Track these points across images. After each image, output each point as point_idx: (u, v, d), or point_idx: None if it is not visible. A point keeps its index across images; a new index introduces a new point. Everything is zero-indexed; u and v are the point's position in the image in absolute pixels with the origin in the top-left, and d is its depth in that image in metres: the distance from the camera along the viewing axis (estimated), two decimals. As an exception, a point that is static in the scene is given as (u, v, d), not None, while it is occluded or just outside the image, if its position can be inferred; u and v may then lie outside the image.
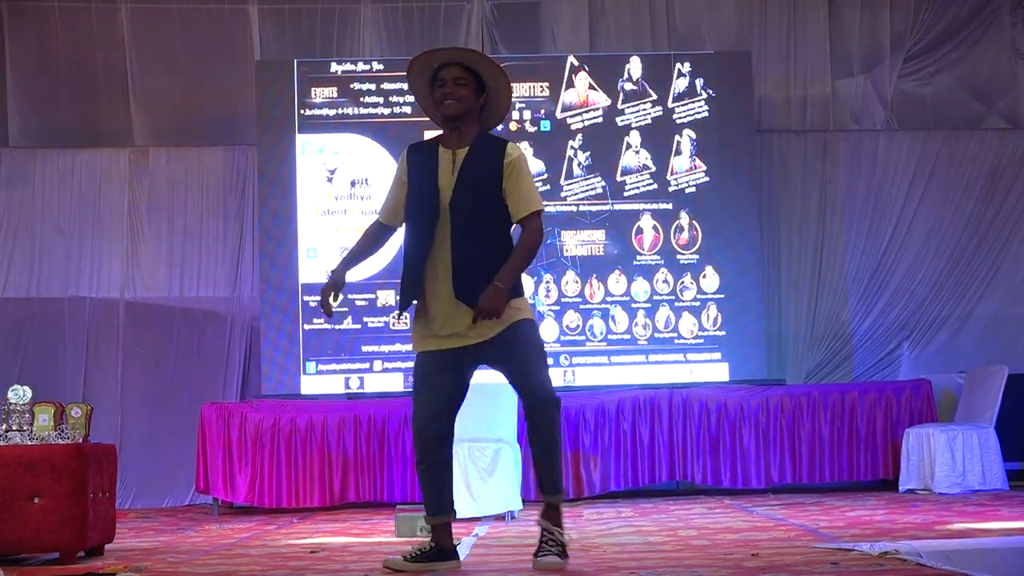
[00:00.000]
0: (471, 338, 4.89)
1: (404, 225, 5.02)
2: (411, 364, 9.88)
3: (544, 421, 4.86)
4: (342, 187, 10.03)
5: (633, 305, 9.97)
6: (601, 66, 10.18)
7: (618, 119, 10.10)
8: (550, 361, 9.57)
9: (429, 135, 9.88)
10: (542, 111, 10.09)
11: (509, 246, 4.92)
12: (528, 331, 4.93)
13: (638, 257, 10.02)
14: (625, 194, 10.01)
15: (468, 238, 4.85)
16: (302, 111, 10.01)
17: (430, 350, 4.96)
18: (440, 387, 4.97)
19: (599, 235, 10.02)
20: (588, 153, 10.03)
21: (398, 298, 5.15)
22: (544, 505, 4.94)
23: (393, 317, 9.91)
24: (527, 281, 9.91)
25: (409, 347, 9.80)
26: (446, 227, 4.85)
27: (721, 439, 9.28)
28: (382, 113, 10.06)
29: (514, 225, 4.98)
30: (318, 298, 9.74)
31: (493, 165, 4.88)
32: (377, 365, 9.89)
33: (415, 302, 5.02)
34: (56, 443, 6.04)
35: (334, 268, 5.08)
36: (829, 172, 10.73)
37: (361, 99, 10.05)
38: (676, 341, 9.99)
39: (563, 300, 9.85)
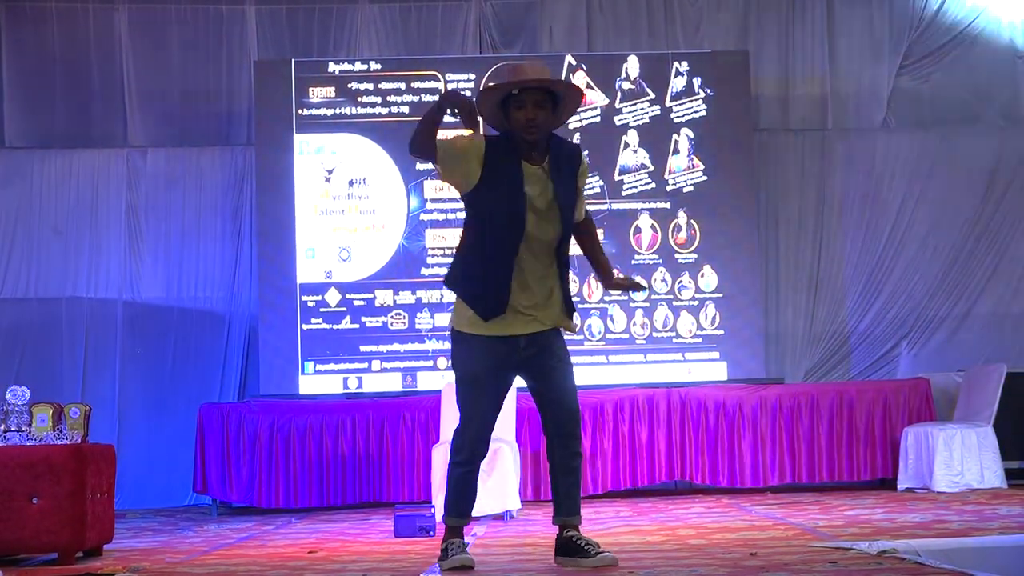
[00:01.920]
0: (525, 329, 4.86)
1: (473, 221, 4.93)
2: (409, 364, 9.92)
3: (573, 436, 4.90)
4: (340, 187, 10.02)
5: (631, 304, 9.98)
6: (599, 65, 10.20)
7: (616, 118, 10.12)
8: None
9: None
10: (541, 110, 10.09)
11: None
12: (564, 343, 5.01)
13: (636, 256, 10.03)
14: (623, 193, 10.03)
15: (562, 255, 4.91)
16: (300, 111, 10.01)
17: (483, 335, 4.87)
18: (497, 393, 4.94)
19: (597, 234, 10.00)
20: (586, 152, 9.97)
21: (477, 306, 4.90)
22: (570, 532, 4.89)
23: (391, 317, 9.90)
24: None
25: (408, 346, 9.84)
26: (539, 239, 4.83)
27: (719, 438, 9.29)
28: (380, 113, 10.07)
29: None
30: (317, 297, 9.80)
31: (572, 173, 4.91)
32: (375, 365, 9.89)
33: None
34: (55, 443, 6.05)
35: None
36: (827, 171, 10.74)
37: (359, 99, 10.06)
38: (674, 340, 10.00)
39: (562, 299, 9.86)
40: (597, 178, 9.99)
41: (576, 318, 5.06)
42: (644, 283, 5.03)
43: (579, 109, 10.01)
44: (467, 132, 4.91)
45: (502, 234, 4.82)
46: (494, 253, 4.84)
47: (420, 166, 10.01)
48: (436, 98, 4.97)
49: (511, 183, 4.80)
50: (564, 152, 4.94)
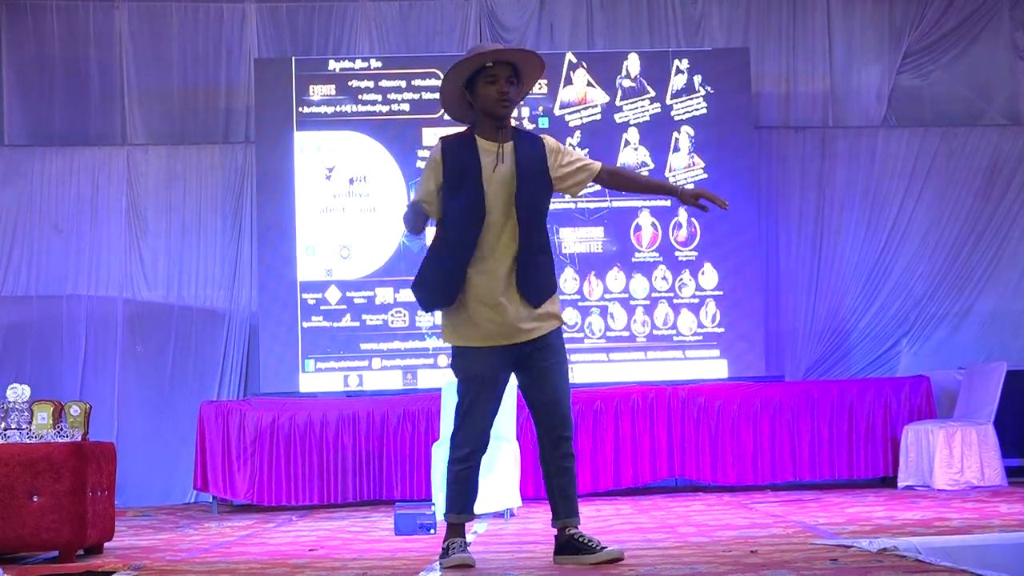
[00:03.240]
0: (518, 336, 4.86)
1: (441, 220, 4.93)
2: (409, 361, 9.93)
3: (564, 441, 4.91)
4: (340, 184, 10.04)
5: (632, 302, 10.00)
6: (599, 63, 10.21)
7: (616, 116, 10.13)
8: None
9: (427, 132, 9.99)
10: (540, 108, 10.12)
11: (549, 242, 4.98)
12: (562, 343, 5.00)
13: (636, 254, 10.04)
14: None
15: (533, 230, 4.87)
16: (300, 109, 10.03)
17: (479, 346, 4.88)
18: (497, 394, 4.94)
19: (598, 232, 10.04)
20: (586, 150, 10.04)
21: (422, 295, 5.06)
22: (571, 530, 4.91)
23: (391, 315, 9.93)
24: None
25: (408, 344, 9.85)
26: (502, 223, 4.82)
27: (720, 436, 9.30)
28: (380, 111, 10.08)
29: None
30: (317, 295, 9.81)
31: (540, 157, 4.91)
32: (376, 363, 9.90)
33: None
34: (55, 441, 6.04)
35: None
36: (827, 168, 10.75)
37: (359, 97, 10.07)
38: (675, 338, 10.02)
39: (561, 297, 9.86)
40: (597, 175, 9.99)
41: (565, 312, 5.03)
42: (722, 201, 4.98)
43: (580, 107, 10.09)
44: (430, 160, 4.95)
45: (463, 211, 4.82)
46: (455, 236, 4.86)
47: (421, 164, 10.02)
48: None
49: (468, 163, 4.83)
50: (530, 142, 4.94)
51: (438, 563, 4.89)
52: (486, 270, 4.84)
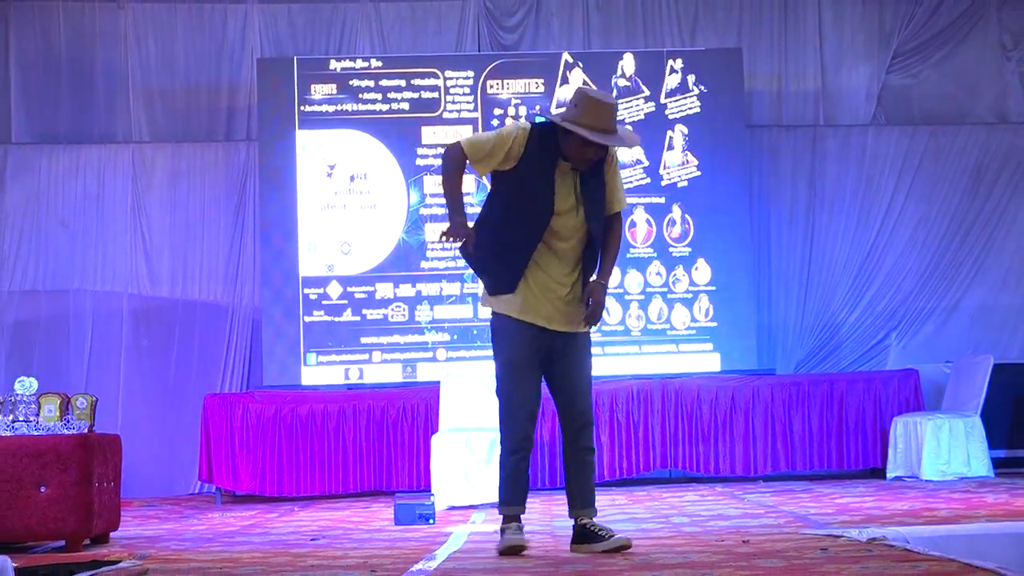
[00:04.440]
0: (560, 325, 4.99)
1: (498, 200, 4.99)
2: (409, 355, 10.01)
3: (584, 432, 5.02)
4: (341, 182, 10.10)
5: (626, 297, 10.07)
6: (595, 63, 10.26)
7: (611, 114, 10.18)
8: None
9: (427, 130, 10.07)
10: (537, 107, 10.15)
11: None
12: (590, 342, 5.14)
13: (631, 250, 10.10)
14: (618, 188, 10.09)
15: (591, 248, 5.00)
16: (302, 108, 10.08)
17: (530, 321, 4.97)
18: (538, 379, 5.03)
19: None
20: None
21: (487, 279, 5.06)
22: (585, 520, 5.00)
23: (391, 310, 9.99)
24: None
25: (408, 338, 9.92)
26: (562, 236, 4.93)
27: (713, 428, 9.36)
28: (380, 109, 10.12)
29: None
30: (318, 290, 9.89)
31: (599, 174, 5.00)
32: (376, 356, 9.97)
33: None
34: (62, 433, 6.07)
35: (458, 219, 4.91)
36: (818, 166, 10.81)
37: (360, 96, 10.12)
38: (669, 332, 10.08)
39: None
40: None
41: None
42: (594, 321, 5.02)
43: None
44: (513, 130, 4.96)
45: (525, 222, 4.91)
46: (515, 237, 4.92)
47: (420, 161, 10.13)
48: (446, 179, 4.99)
49: (544, 180, 4.90)
50: (595, 164, 5.02)
51: (496, 548, 4.95)
52: (548, 260, 4.95)
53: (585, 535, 4.96)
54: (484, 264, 5.05)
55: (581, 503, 5.02)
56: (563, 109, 5.02)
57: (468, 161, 4.93)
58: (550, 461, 9.20)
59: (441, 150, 10.01)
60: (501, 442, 5.04)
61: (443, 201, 10.04)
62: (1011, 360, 10.13)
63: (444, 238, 4.91)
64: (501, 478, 5.05)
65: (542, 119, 5.02)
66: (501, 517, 5.06)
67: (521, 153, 4.90)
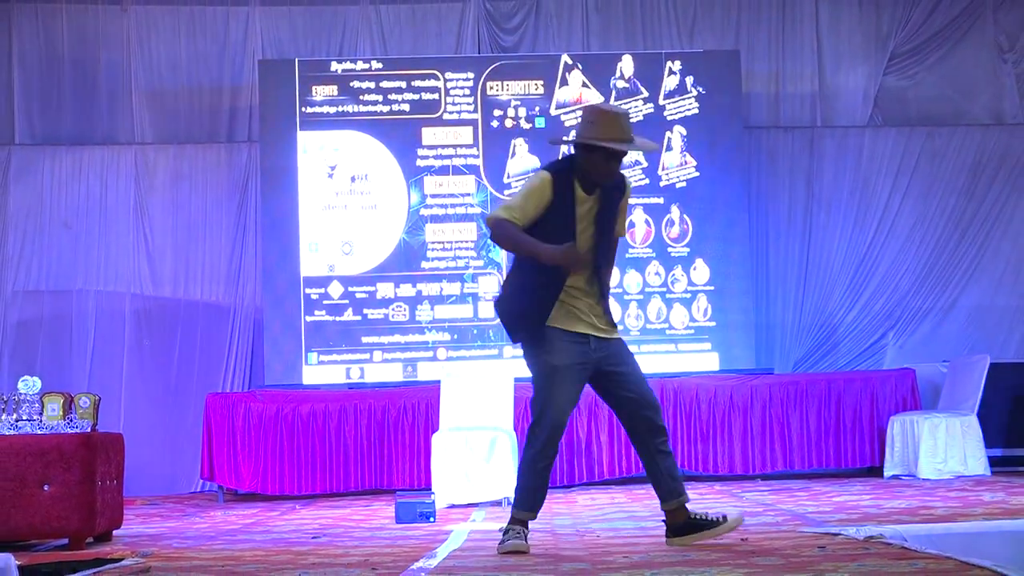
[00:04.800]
0: (603, 332, 5.06)
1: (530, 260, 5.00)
2: (410, 354, 10.04)
3: (658, 421, 5.07)
4: (342, 183, 10.13)
5: (626, 297, 10.10)
6: (594, 64, 10.30)
7: (611, 115, 10.21)
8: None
9: (427, 131, 10.10)
10: (537, 108, 10.20)
11: None
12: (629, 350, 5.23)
13: (630, 250, 10.14)
14: (618, 188, 10.09)
15: (606, 273, 5.12)
16: (303, 109, 10.11)
17: (574, 330, 5.00)
18: (576, 389, 5.06)
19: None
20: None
21: (516, 320, 5.07)
22: (680, 507, 5.05)
23: (392, 309, 10.02)
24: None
25: (409, 338, 9.95)
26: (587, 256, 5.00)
27: (711, 427, 9.39)
28: (381, 111, 10.16)
29: None
30: (320, 290, 9.91)
31: (616, 199, 5.09)
32: (377, 355, 10.00)
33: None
34: (65, 432, 6.09)
35: (553, 249, 4.88)
36: (816, 167, 10.85)
37: (361, 97, 10.15)
38: (667, 332, 10.12)
39: (558, 292, 9.96)
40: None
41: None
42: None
43: (576, 107, 10.21)
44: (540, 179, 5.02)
45: (552, 267, 4.94)
46: (544, 278, 4.96)
47: (420, 162, 10.17)
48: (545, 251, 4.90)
49: (565, 209, 4.96)
50: (615, 183, 5.10)
51: (496, 547, 4.99)
52: (575, 293, 5.00)
53: (696, 525, 5.00)
54: (514, 308, 5.07)
55: (676, 492, 5.04)
56: (573, 133, 5.08)
57: (515, 225, 4.96)
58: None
59: (441, 150, 10.10)
60: (528, 447, 5.04)
61: (443, 201, 10.15)
62: (1007, 359, 10.17)
63: (569, 269, 4.92)
64: (522, 484, 5.07)
65: (561, 144, 5.11)
66: (508, 516, 5.09)
67: (548, 203, 4.96)
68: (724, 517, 5.01)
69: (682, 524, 5.03)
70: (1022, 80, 11.02)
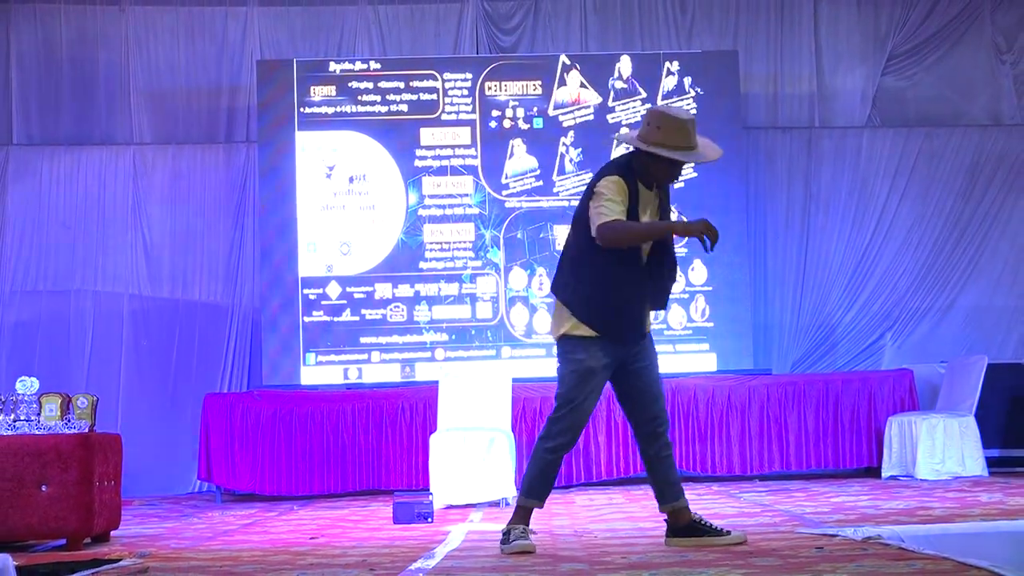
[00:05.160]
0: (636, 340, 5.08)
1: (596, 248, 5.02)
2: (407, 355, 10.04)
3: (663, 428, 5.11)
4: (341, 183, 10.14)
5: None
6: (592, 65, 10.31)
7: (609, 116, 10.24)
8: (543, 352, 9.77)
9: (425, 132, 10.11)
10: (535, 108, 10.22)
11: None
12: (654, 343, 5.25)
13: (629, 250, 10.13)
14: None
15: (670, 261, 5.14)
16: (301, 109, 10.12)
17: (603, 339, 5.01)
18: (601, 384, 5.08)
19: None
20: (580, 149, 10.18)
21: (604, 328, 5.02)
22: (681, 509, 5.09)
23: (390, 310, 10.04)
24: (521, 275, 10.08)
25: (407, 338, 9.96)
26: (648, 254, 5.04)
27: (709, 427, 9.40)
28: (379, 111, 10.18)
29: None
30: (318, 291, 9.91)
31: (665, 196, 5.15)
32: (375, 356, 10.02)
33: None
34: (63, 432, 6.11)
35: (679, 223, 5.17)
36: (814, 168, 10.87)
37: (359, 97, 10.17)
38: (666, 332, 10.12)
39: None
40: (591, 174, 9.93)
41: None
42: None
43: (574, 107, 10.22)
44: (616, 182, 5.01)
45: (629, 267, 4.98)
46: (626, 285, 4.98)
47: (419, 163, 10.18)
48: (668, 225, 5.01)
49: (632, 215, 4.97)
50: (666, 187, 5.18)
51: (500, 547, 4.99)
52: (635, 283, 5.02)
53: (697, 530, 5.02)
54: (597, 315, 5.02)
55: (673, 496, 5.09)
56: (636, 132, 5.09)
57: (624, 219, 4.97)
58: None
59: (439, 151, 10.11)
60: (545, 437, 5.05)
61: (442, 202, 10.17)
62: (1005, 360, 10.16)
63: (709, 244, 4.91)
64: (531, 473, 5.09)
65: (624, 146, 5.14)
66: (509, 516, 5.10)
67: (628, 194, 4.97)
68: (728, 531, 5.02)
69: (684, 526, 5.06)
70: (1020, 81, 11.03)
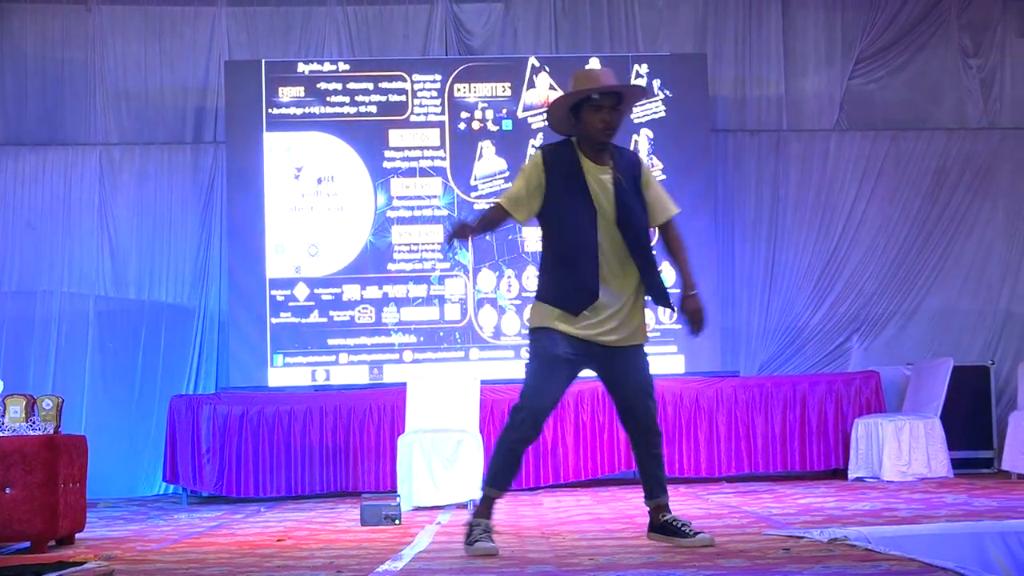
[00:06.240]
0: (607, 337, 5.01)
1: (546, 227, 5.07)
2: (376, 356, 10.03)
3: (656, 428, 5.14)
4: (309, 184, 10.12)
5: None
6: (561, 67, 10.29)
7: (578, 118, 10.24)
8: (511, 354, 9.76)
9: (394, 133, 10.10)
10: (504, 110, 10.21)
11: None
12: (646, 357, 5.18)
13: (597, 252, 10.14)
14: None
15: (643, 248, 5.07)
16: (269, 110, 10.09)
17: (566, 332, 4.97)
18: (566, 377, 5.05)
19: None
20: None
21: (562, 299, 5.00)
22: (660, 506, 5.14)
23: (358, 311, 10.02)
24: (490, 276, 10.08)
25: (375, 340, 9.95)
26: (609, 237, 4.99)
27: (677, 429, 9.41)
28: (348, 112, 10.15)
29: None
30: (285, 292, 9.90)
31: (635, 176, 5.09)
32: (343, 358, 9.99)
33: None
34: (27, 434, 6.08)
35: (464, 222, 5.08)
36: (782, 171, 10.89)
37: (327, 98, 10.15)
38: (634, 334, 10.13)
39: (524, 295, 9.98)
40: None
41: (664, 312, 5.17)
42: (698, 329, 5.16)
43: (543, 109, 10.21)
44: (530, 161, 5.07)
45: (578, 232, 4.96)
46: (575, 250, 4.97)
47: (387, 164, 10.16)
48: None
49: (577, 185, 4.97)
50: (627, 160, 5.13)
51: (464, 547, 4.97)
52: (608, 268, 4.99)
53: (668, 529, 5.07)
54: (559, 292, 5.03)
55: (657, 493, 5.15)
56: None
57: (510, 214, 5.03)
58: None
59: (408, 152, 10.11)
60: (508, 427, 5.04)
61: (410, 203, 10.16)
62: (970, 363, 10.22)
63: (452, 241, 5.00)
64: (495, 459, 5.08)
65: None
66: (472, 509, 5.13)
67: (544, 177, 4.99)
68: (697, 532, 5.05)
69: (659, 524, 5.13)
70: (986, 85, 11.10)
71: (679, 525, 5.06)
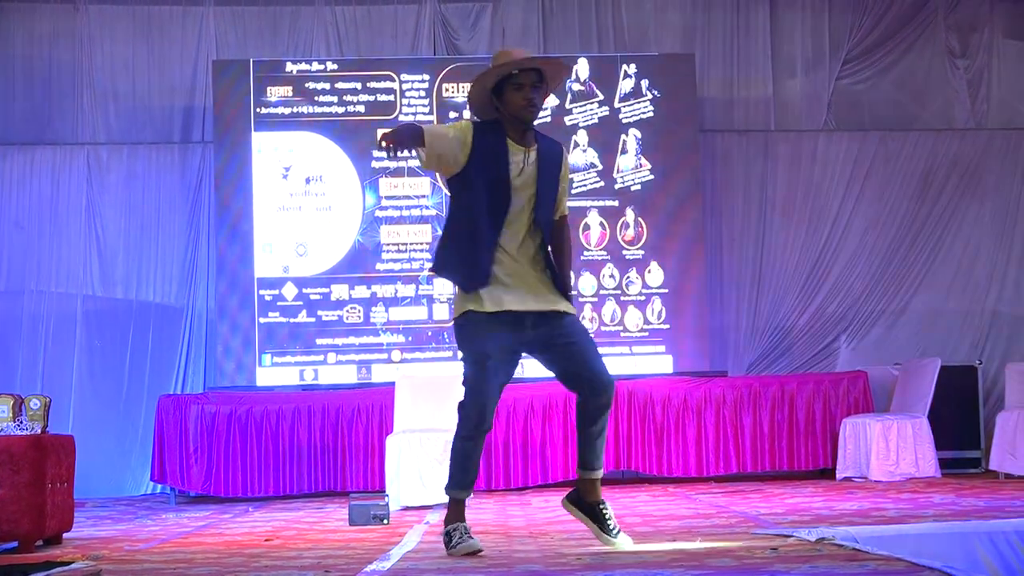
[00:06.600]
0: (538, 304, 4.95)
1: (458, 203, 5.01)
2: (364, 356, 10.03)
3: (608, 402, 5.06)
4: (297, 184, 10.12)
5: (580, 299, 10.10)
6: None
7: (566, 119, 10.25)
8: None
9: (381, 133, 10.06)
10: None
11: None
12: (579, 321, 5.13)
13: (585, 252, 10.18)
14: (573, 192, 10.07)
15: (549, 236, 5.05)
16: (258, 110, 10.08)
17: (490, 311, 4.91)
18: (505, 370, 5.00)
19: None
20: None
21: (458, 277, 5.01)
22: (588, 483, 5.07)
23: (346, 311, 10.02)
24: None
25: (363, 339, 9.94)
26: (521, 220, 4.96)
27: (665, 429, 9.42)
28: (336, 112, 10.15)
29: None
30: (274, 291, 9.88)
31: (557, 164, 5.06)
32: (331, 357, 9.99)
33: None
34: (15, 434, 6.06)
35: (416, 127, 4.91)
36: (770, 171, 10.91)
37: (316, 98, 10.14)
38: (622, 334, 10.16)
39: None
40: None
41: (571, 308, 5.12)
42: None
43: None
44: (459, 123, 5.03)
45: (488, 205, 4.92)
46: (479, 224, 4.93)
47: (376, 164, 10.16)
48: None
49: (497, 158, 4.91)
50: (550, 148, 5.08)
51: (445, 551, 4.94)
52: (511, 252, 4.96)
53: (596, 516, 5.03)
54: (454, 265, 5.03)
55: (590, 463, 5.09)
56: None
57: (423, 145, 4.84)
58: (504, 461, 9.25)
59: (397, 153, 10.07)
60: (457, 428, 5.02)
61: (398, 203, 10.15)
62: (958, 362, 10.25)
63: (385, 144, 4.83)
64: (452, 462, 5.05)
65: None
66: (445, 511, 5.07)
67: (472, 141, 4.92)
68: (619, 533, 5.00)
69: (588, 505, 5.06)
70: (973, 85, 11.13)
71: (607, 517, 5.00)
